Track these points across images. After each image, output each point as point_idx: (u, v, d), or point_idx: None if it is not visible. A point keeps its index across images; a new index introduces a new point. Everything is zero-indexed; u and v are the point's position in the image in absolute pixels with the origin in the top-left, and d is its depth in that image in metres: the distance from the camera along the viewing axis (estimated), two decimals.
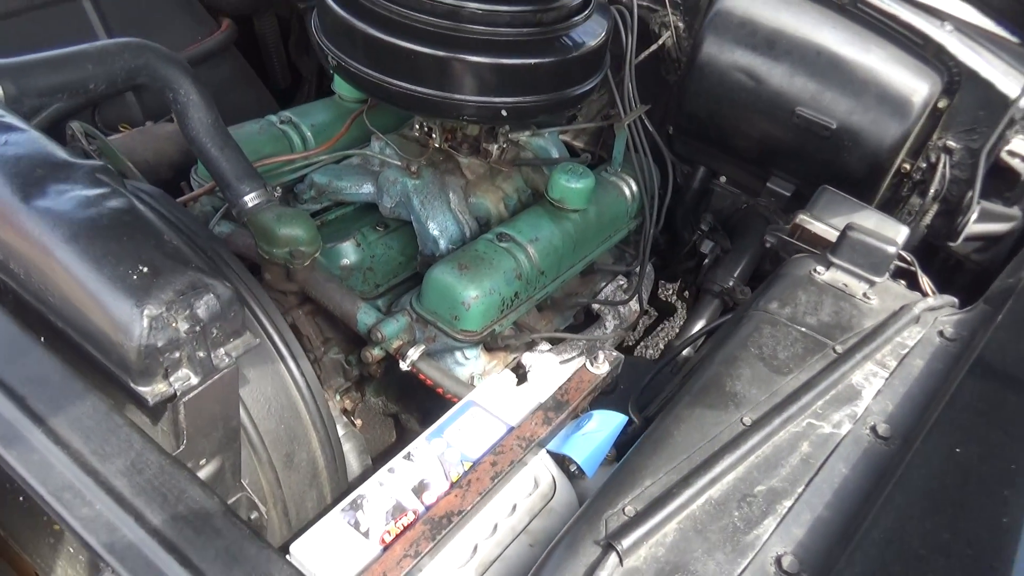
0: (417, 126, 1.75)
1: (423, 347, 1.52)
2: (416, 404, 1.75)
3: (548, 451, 1.17)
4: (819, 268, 1.19)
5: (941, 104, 1.67)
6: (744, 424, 0.95)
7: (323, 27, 1.55)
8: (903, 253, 1.27)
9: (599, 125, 1.93)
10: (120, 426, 0.82)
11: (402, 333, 1.53)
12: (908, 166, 1.76)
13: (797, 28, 1.70)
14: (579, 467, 1.14)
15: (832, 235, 1.29)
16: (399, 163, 1.70)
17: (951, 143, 1.72)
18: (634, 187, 1.91)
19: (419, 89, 1.46)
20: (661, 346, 2.72)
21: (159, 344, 0.85)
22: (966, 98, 1.66)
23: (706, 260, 2.01)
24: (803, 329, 1.09)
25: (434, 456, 1.13)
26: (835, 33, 1.68)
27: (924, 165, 1.76)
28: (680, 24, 1.95)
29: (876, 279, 1.17)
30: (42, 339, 0.95)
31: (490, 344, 1.64)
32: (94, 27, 1.91)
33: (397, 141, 1.77)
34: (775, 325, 1.09)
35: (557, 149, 1.91)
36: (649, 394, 1.53)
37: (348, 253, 1.68)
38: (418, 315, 1.54)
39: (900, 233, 1.29)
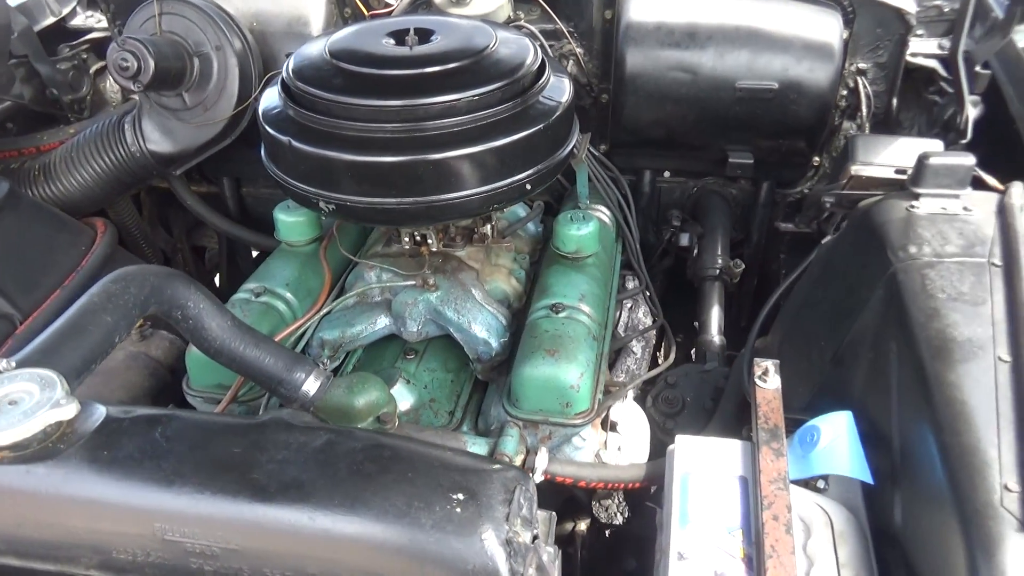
0: (406, 237, 1.63)
1: (545, 450, 1.41)
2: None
3: (792, 482, 1.12)
4: (913, 204, 1.25)
5: (844, 35, 1.83)
6: (1004, 360, 0.96)
7: (303, 175, 1.40)
8: None
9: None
10: None
11: (519, 447, 1.41)
12: None
13: (706, 15, 1.79)
14: (825, 480, 1.11)
15: (886, 174, 1.36)
16: (412, 283, 1.56)
17: (862, 65, 1.89)
18: (607, 212, 1.91)
19: (444, 197, 1.35)
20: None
21: (519, 567, 0.70)
22: (863, 23, 1.83)
23: (694, 251, 2.05)
24: (954, 260, 1.13)
25: (704, 542, 1.04)
26: (740, 8, 1.79)
27: (844, 92, 1.92)
28: (579, 50, 1.97)
29: (962, 192, 1.25)
30: None
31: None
32: None
33: (386, 263, 1.63)
34: (932, 267, 1.12)
35: (522, 207, 1.87)
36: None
37: (404, 395, 1.53)
38: (524, 420, 1.42)
39: (940, 147, 1.40)
